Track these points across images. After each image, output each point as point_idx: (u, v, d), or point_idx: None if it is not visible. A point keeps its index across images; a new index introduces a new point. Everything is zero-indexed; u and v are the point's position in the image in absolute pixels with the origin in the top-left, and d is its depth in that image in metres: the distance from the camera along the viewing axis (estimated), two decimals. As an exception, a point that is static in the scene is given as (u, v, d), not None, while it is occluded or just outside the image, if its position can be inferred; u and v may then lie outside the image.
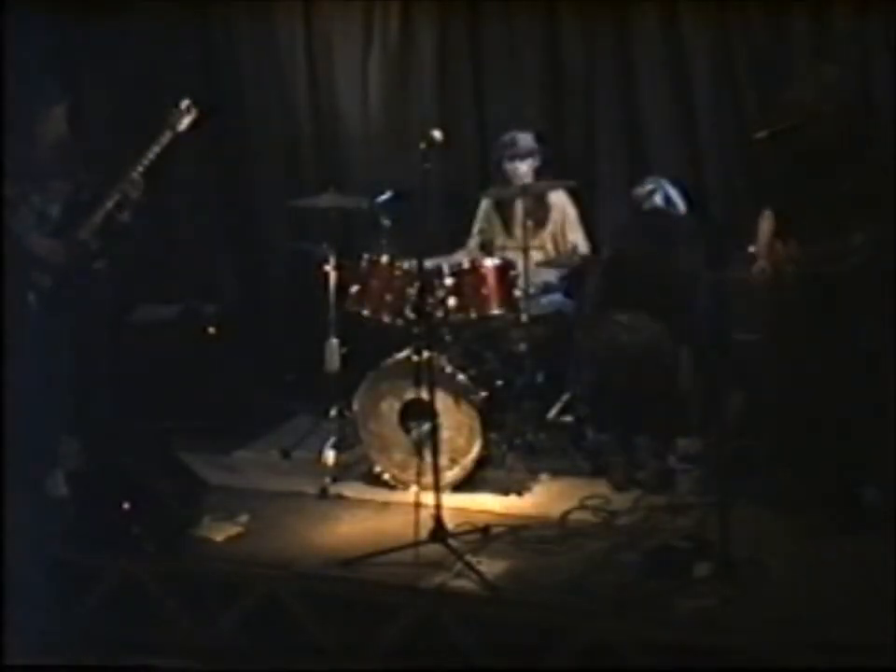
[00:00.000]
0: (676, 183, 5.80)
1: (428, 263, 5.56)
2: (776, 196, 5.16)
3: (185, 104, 5.67)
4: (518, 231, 6.09)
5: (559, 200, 6.38)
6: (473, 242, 6.48)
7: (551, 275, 6.28)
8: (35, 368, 5.48)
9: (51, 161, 5.69)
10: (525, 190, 6.12)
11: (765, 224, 5.18)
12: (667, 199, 5.70)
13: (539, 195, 6.29)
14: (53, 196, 5.67)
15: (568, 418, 6.10)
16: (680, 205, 5.72)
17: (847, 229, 4.78)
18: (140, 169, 5.59)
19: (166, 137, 5.65)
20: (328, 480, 5.74)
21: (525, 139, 6.23)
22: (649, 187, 5.74)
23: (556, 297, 6.36)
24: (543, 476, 5.75)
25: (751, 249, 5.74)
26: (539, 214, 6.29)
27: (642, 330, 5.57)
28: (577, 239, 6.32)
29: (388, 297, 5.72)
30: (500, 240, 6.39)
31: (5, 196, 5.56)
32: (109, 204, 5.61)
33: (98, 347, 5.84)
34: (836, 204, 4.82)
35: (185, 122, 5.67)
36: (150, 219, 5.85)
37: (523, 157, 6.19)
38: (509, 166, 6.21)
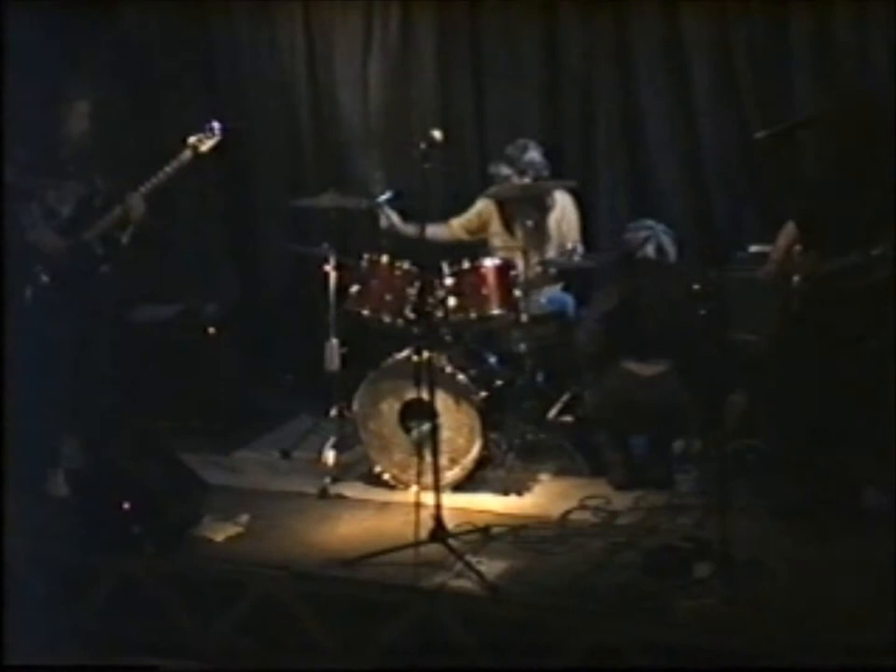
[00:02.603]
0: (667, 229, 5.72)
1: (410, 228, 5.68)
2: (795, 205, 5.13)
3: (210, 126, 5.71)
4: (518, 232, 6.08)
5: (562, 200, 6.37)
6: (456, 222, 6.46)
7: (554, 289, 6.33)
8: (34, 367, 5.49)
9: (71, 159, 5.70)
10: (525, 190, 6.12)
11: (784, 236, 5.15)
12: (659, 248, 5.62)
13: (539, 197, 6.28)
14: (67, 195, 5.70)
15: (568, 418, 6.10)
16: (672, 253, 5.65)
17: (869, 240, 4.75)
18: (150, 187, 5.63)
19: (185, 158, 5.69)
20: (328, 480, 5.74)
21: (533, 154, 6.21)
22: (643, 234, 5.64)
23: (557, 295, 6.36)
24: (543, 476, 5.76)
25: (753, 249, 5.76)
26: (539, 215, 6.29)
27: (655, 382, 5.54)
28: (574, 242, 6.31)
29: (388, 297, 5.72)
30: (502, 240, 6.39)
31: (19, 186, 5.59)
32: (115, 214, 5.64)
33: (98, 347, 5.85)
34: (858, 216, 4.79)
35: (207, 145, 5.71)
36: (151, 221, 5.85)
37: (522, 171, 6.18)
38: (503, 171, 6.21)
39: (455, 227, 6.47)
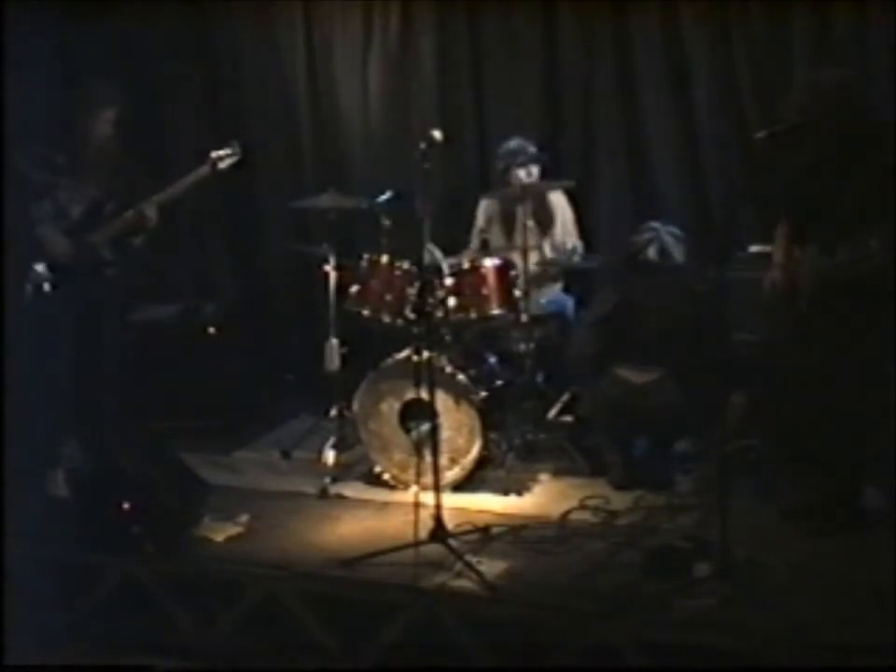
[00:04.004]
0: (674, 231, 5.68)
1: (436, 254, 5.60)
2: (789, 203, 5.13)
3: (231, 145, 5.74)
4: (520, 238, 6.07)
5: (559, 202, 6.40)
6: (473, 244, 6.49)
7: (554, 290, 6.32)
8: (34, 365, 5.50)
9: (89, 163, 5.72)
10: (525, 191, 6.12)
11: (782, 234, 5.15)
12: (662, 251, 5.58)
13: (542, 198, 6.30)
14: (79, 197, 5.72)
15: (568, 418, 6.10)
16: (676, 255, 5.60)
17: (862, 233, 4.75)
18: (165, 197, 5.66)
19: (203, 172, 5.72)
20: (328, 480, 5.74)
21: (531, 146, 6.24)
22: (646, 236, 5.60)
23: (557, 296, 6.37)
24: (543, 476, 5.76)
25: (753, 249, 5.75)
26: (544, 217, 6.31)
27: (647, 389, 5.53)
28: (571, 241, 6.33)
29: (388, 297, 5.72)
30: (501, 240, 6.40)
31: (33, 179, 5.61)
32: (128, 219, 5.67)
33: (100, 348, 5.86)
34: (848, 209, 4.80)
35: (226, 163, 5.74)
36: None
37: (531, 163, 6.20)
38: (520, 172, 6.20)
39: (475, 247, 6.47)
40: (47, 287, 5.68)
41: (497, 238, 6.41)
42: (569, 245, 6.30)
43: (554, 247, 6.35)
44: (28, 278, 5.67)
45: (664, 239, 5.58)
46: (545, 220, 6.33)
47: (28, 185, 5.65)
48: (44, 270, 5.66)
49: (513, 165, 6.21)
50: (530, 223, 6.03)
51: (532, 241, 6.01)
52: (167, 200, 5.73)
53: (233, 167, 5.85)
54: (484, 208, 6.51)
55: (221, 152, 5.79)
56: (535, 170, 6.24)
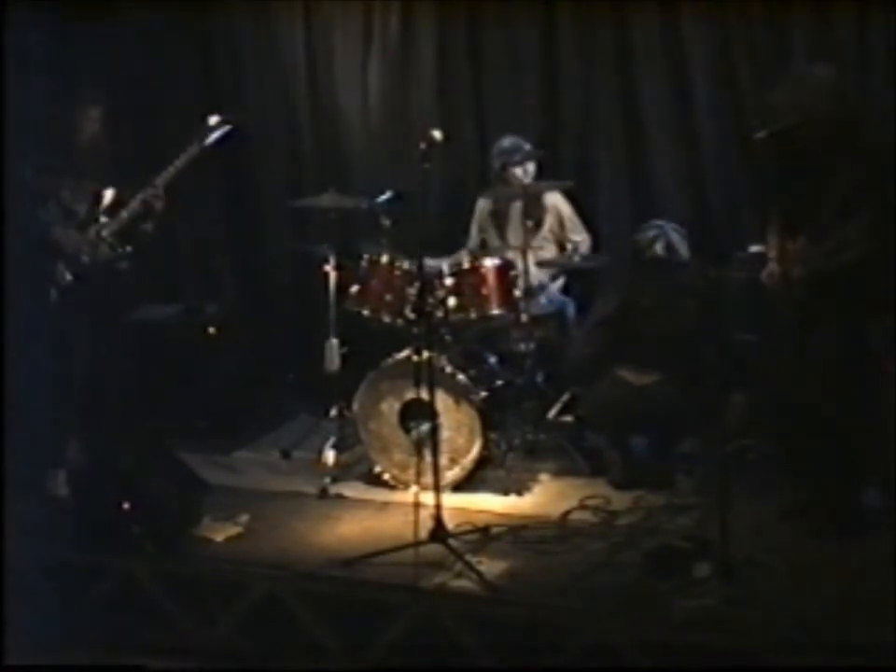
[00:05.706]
0: (678, 228, 5.66)
1: (429, 263, 5.58)
2: (779, 196, 5.14)
3: (214, 119, 5.75)
4: (513, 236, 6.07)
5: (553, 200, 6.39)
6: (472, 242, 6.49)
7: (542, 275, 6.30)
8: (45, 366, 5.52)
9: (84, 160, 5.74)
10: (523, 191, 6.12)
11: (773, 230, 5.15)
12: (668, 247, 5.55)
13: (536, 197, 6.30)
14: (82, 195, 5.73)
15: (568, 418, 6.10)
16: (682, 252, 5.58)
17: (845, 222, 4.77)
18: (164, 179, 5.67)
19: (194, 150, 5.73)
20: (328, 480, 5.74)
21: (525, 143, 6.24)
22: (651, 233, 5.57)
23: (556, 296, 6.37)
24: (543, 476, 5.76)
25: (753, 249, 5.75)
26: (536, 215, 6.30)
27: (648, 391, 5.53)
28: (578, 237, 6.33)
29: (388, 297, 5.72)
30: (495, 243, 6.40)
31: (35, 186, 5.62)
32: (134, 208, 5.69)
33: (108, 347, 5.87)
34: (833, 199, 4.81)
35: (213, 137, 5.75)
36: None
37: (527, 161, 6.20)
38: (517, 171, 6.20)
39: (473, 247, 6.47)
40: (70, 287, 5.70)
41: (491, 237, 6.42)
42: (569, 247, 6.30)
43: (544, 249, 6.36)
44: (51, 281, 5.68)
45: (669, 235, 5.57)
46: (537, 219, 6.33)
47: (34, 191, 5.66)
48: (64, 270, 5.68)
49: (510, 164, 6.21)
50: (529, 223, 6.03)
51: (525, 239, 6.00)
52: (167, 181, 5.75)
53: (221, 142, 5.83)
54: (482, 207, 6.52)
55: (210, 122, 5.79)
56: (531, 167, 6.24)
